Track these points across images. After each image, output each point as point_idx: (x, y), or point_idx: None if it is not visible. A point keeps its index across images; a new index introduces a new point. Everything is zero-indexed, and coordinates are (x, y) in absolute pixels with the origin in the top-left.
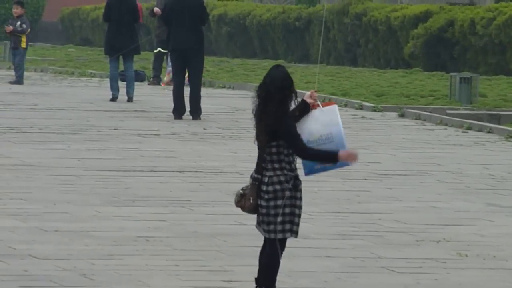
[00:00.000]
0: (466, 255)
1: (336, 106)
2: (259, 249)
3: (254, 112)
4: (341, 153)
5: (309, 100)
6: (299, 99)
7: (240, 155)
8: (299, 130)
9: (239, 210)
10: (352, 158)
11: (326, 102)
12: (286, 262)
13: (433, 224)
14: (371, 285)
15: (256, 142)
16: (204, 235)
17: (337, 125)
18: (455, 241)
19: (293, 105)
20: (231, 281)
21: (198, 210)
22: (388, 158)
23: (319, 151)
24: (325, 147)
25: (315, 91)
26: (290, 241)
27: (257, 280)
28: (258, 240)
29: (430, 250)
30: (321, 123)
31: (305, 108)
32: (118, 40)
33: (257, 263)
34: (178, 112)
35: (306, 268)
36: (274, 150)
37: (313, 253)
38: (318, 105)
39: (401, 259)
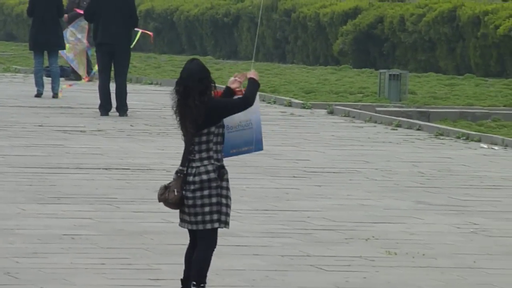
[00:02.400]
0: (395, 253)
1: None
2: (186, 247)
3: (174, 108)
4: (250, 73)
5: (232, 86)
6: None
7: (168, 152)
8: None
9: (166, 208)
10: (256, 74)
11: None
12: (213, 260)
13: (362, 222)
14: (299, 284)
15: (182, 138)
16: (131, 233)
17: (256, 112)
18: (384, 239)
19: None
20: (158, 279)
21: (124, 207)
22: (317, 156)
23: (249, 90)
24: (242, 133)
25: (239, 75)
26: (217, 239)
27: (183, 281)
28: (185, 238)
29: (359, 248)
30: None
31: (228, 94)
32: (43, 36)
33: (183, 261)
34: (104, 108)
35: (234, 267)
36: (204, 138)
37: (241, 251)
38: (241, 91)
39: (330, 257)
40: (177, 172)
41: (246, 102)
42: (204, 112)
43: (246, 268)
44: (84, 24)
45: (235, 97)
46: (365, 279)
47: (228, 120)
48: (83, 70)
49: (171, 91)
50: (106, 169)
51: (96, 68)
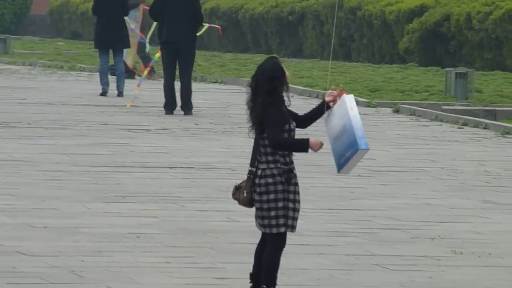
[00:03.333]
0: (461, 253)
1: (345, 96)
2: (251, 246)
3: (247, 103)
4: (312, 139)
5: (327, 99)
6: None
7: (233, 151)
8: (327, 130)
9: (231, 206)
10: (317, 145)
11: (339, 92)
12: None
13: (428, 221)
14: (364, 283)
15: (250, 135)
16: (195, 231)
17: (344, 117)
18: (450, 238)
19: (285, 98)
20: (223, 278)
21: (189, 206)
22: (383, 155)
23: (291, 141)
24: (342, 141)
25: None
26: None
27: (251, 276)
28: (250, 237)
29: (425, 247)
30: (337, 117)
31: (322, 107)
32: (108, 34)
33: (249, 260)
34: (169, 107)
35: (299, 266)
36: (266, 142)
37: (306, 250)
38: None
39: (395, 257)
40: (248, 172)
41: (273, 141)
42: (261, 113)
43: (311, 267)
44: (139, 13)
45: (327, 111)
46: (431, 279)
47: (330, 132)
48: (131, 61)
49: (246, 88)
50: (170, 167)
51: (157, 56)
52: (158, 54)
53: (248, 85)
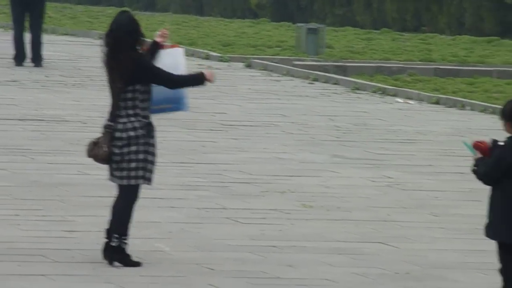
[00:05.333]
0: (311, 206)
1: (180, 49)
2: (102, 199)
3: (103, 60)
4: (206, 72)
5: (159, 39)
6: None
7: (83, 104)
8: None
9: (81, 160)
10: (212, 75)
11: (172, 44)
12: None
13: (278, 175)
14: (215, 236)
15: (109, 91)
16: (46, 184)
17: (177, 69)
18: (300, 192)
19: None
20: (73, 231)
21: (39, 159)
22: (234, 109)
23: (188, 76)
24: (163, 89)
25: (166, 30)
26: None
27: (108, 231)
28: (101, 190)
29: (275, 201)
30: (164, 65)
31: (155, 48)
32: None
33: (99, 213)
34: (19, 59)
35: (151, 219)
36: (129, 95)
37: (158, 203)
38: (165, 46)
39: (246, 210)
40: (105, 127)
41: (174, 85)
42: (133, 68)
43: (162, 221)
44: None
45: (160, 51)
46: (281, 232)
47: None
48: None
49: (100, 43)
50: (20, 120)
51: None
52: None
53: (104, 42)
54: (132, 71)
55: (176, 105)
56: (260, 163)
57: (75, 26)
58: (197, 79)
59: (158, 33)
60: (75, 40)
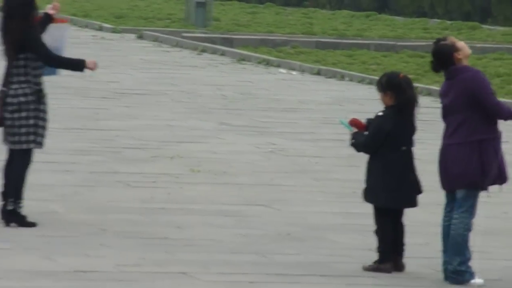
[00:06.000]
0: (199, 171)
1: (67, 25)
2: None
3: (0, 28)
4: (88, 60)
5: (51, 11)
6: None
7: None
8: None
9: None
10: (94, 63)
11: (61, 19)
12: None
13: (168, 141)
14: (107, 198)
15: (4, 58)
16: None
17: (61, 42)
18: (189, 158)
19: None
20: None
21: None
22: (126, 78)
23: (66, 59)
24: None
25: (57, 3)
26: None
27: (3, 194)
28: None
29: (165, 165)
30: (52, 37)
31: (47, 20)
32: None
33: None
34: None
35: (45, 182)
36: (21, 63)
37: (52, 167)
38: (56, 19)
39: (137, 174)
40: (0, 93)
41: (51, 62)
42: (20, 37)
43: (56, 184)
44: None
45: (50, 24)
46: (170, 195)
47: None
48: None
49: None
50: None
51: None
52: None
53: (1, 10)
54: (20, 40)
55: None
56: (150, 129)
57: None
58: (76, 65)
59: (50, 6)
60: None
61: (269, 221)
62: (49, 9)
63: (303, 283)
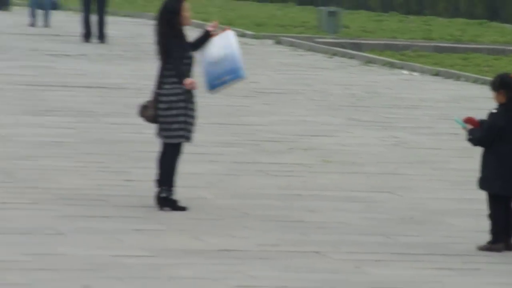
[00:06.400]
0: (330, 161)
1: (230, 31)
2: (154, 154)
3: (155, 35)
4: (188, 79)
5: (210, 29)
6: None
7: (139, 74)
8: (203, 55)
9: (137, 121)
10: (188, 83)
11: (224, 28)
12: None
13: (302, 135)
14: (249, 186)
15: (158, 59)
16: (108, 141)
17: (227, 48)
18: (320, 149)
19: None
20: (130, 180)
21: (102, 120)
22: (265, 79)
23: (179, 73)
24: (222, 65)
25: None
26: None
27: (158, 182)
28: (153, 146)
29: (299, 156)
30: (217, 47)
31: (207, 36)
32: None
33: (152, 165)
34: (86, 36)
35: (193, 171)
36: (172, 66)
37: (200, 158)
38: (216, 34)
39: (275, 164)
40: (154, 92)
41: (172, 66)
42: (164, 42)
43: (203, 172)
44: None
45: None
46: (304, 183)
47: (209, 57)
48: None
49: (153, 21)
50: (87, 87)
51: None
52: None
53: (155, 19)
54: (164, 45)
55: (234, 75)
56: (287, 124)
57: (133, 8)
58: (180, 78)
59: (210, 24)
60: (133, 21)
61: (393, 206)
62: (209, 26)
63: (423, 261)
